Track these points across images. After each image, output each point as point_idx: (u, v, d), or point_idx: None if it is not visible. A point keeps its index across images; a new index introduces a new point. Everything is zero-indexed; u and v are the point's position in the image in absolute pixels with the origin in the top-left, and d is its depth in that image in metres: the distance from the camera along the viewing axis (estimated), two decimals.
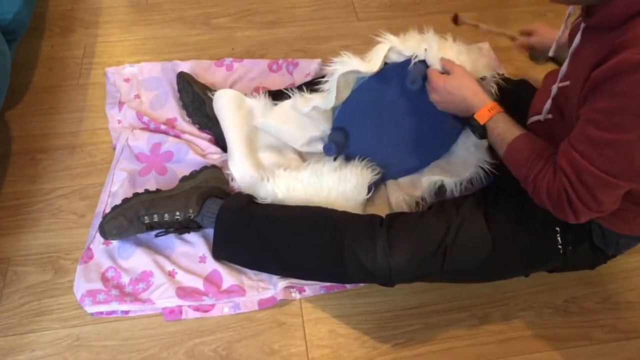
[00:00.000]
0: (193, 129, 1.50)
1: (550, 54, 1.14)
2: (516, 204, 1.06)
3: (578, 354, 1.17)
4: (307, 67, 1.66)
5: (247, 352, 1.16)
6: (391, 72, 1.22)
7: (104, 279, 1.23)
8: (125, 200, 1.25)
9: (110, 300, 1.19)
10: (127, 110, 1.54)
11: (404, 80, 1.21)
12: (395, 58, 1.21)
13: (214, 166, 1.35)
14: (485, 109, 1.03)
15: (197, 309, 1.21)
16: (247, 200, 1.22)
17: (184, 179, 1.32)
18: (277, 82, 1.64)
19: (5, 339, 1.17)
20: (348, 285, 1.24)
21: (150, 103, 1.57)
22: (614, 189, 0.85)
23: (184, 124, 1.51)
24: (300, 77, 1.63)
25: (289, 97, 1.38)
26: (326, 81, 1.25)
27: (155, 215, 1.22)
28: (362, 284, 1.24)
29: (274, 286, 1.23)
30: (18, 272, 1.26)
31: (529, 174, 0.93)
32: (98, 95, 1.61)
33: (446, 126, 1.25)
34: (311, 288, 1.23)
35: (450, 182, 1.24)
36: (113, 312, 1.20)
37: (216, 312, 1.21)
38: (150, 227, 1.23)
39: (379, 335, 1.19)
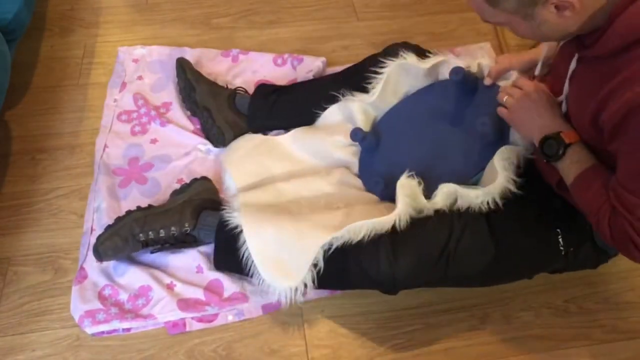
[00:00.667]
0: (182, 117, 1.53)
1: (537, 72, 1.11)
2: (518, 207, 1.06)
3: (578, 354, 1.17)
4: (311, 64, 1.66)
5: (247, 352, 1.16)
6: (438, 88, 1.26)
7: (102, 297, 1.21)
8: (119, 219, 1.23)
9: (110, 319, 1.17)
10: (125, 94, 1.59)
11: (447, 98, 1.23)
12: (445, 72, 1.25)
13: (203, 177, 1.35)
14: (573, 132, 0.93)
15: (200, 319, 1.20)
16: None
17: (175, 193, 1.31)
18: (280, 76, 1.64)
19: (5, 339, 1.17)
20: None
21: (151, 85, 1.62)
22: None
23: (178, 109, 1.55)
24: (302, 73, 1.63)
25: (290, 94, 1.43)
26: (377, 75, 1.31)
27: (151, 232, 1.20)
28: None
29: None
30: (18, 272, 1.26)
31: (592, 209, 0.90)
32: (98, 95, 1.60)
33: (483, 144, 1.14)
34: (315, 291, 1.22)
35: (469, 192, 1.06)
36: (114, 330, 1.19)
37: (220, 320, 1.20)
38: (145, 244, 1.22)
39: (379, 335, 1.19)
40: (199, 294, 1.22)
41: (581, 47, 0.87)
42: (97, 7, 1.87)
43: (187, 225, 1.21)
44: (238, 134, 1.46)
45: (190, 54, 1.68)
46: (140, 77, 1.64)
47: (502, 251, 1.04)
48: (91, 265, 1.25)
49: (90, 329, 1.17)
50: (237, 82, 1.62)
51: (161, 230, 1.21)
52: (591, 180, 0.90)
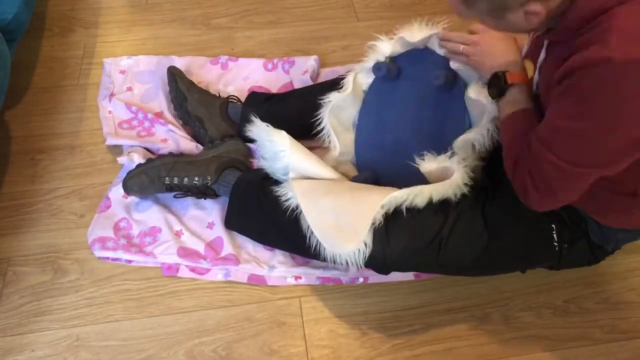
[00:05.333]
0: (177, 123, 1.52)
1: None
2: (512, 201, 1.06)
3: (578, 354, 1.17)
4: (304, 64, 1.65)
5: (247, 353, 1.16)
6: (399, 64, 1.30)
7: (116, 228, 1.32)
8: (150, 160, 1.33)
9: (117, 249, 1.28)
10: (116, 102, 1.56)
11: (410, 72, 1.28)
12: (400, 49, 1.30)
13: (238, 138, 1.40)
14: (519, 73, 1.04)
15: (193, 269, 1.27)
16: (263, 175, 1.23)
17: (208, 147, 1.38)
18: (273, 81, 1.64)
19: (4, 339, 1.17)
20: (343, 280, 1.25)
21: (141, 95, 1.60)
22: (571, 178, 0.88)
23: (170, 119, 1.53)
24: (297, 75, 1.62)
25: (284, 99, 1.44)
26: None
27: (176, 178, 1.29)
28: (358, 281, 1.25)
29: (270, 269, 1.25)
30: (18, 272, 1.26)
31: (511, 152, 0.98)
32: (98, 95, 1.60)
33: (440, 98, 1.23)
34: (307, 277, 1.25)
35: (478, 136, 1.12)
36: (117, 259, 1.28)
37: (210, 276, 1.26)
38: (169, 188, 1.31)
39: (379, 335, 1.19)
40: (200, 247, 1.29)
41: (547, 33, 0.93)
42: (97, 8, 1.87)
43: (209, 179, 1.30)
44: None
45: (178, 63, 1.65)
46: (129, 89, 1.60)
47: (494, 242, 1.06)
48: (116, 197, 1.36)
49: (98, 253, 1.28)
50: (229, 90, 1.60)
51: (185, 178, 1.29)
52: (518, 122, 1.00)
